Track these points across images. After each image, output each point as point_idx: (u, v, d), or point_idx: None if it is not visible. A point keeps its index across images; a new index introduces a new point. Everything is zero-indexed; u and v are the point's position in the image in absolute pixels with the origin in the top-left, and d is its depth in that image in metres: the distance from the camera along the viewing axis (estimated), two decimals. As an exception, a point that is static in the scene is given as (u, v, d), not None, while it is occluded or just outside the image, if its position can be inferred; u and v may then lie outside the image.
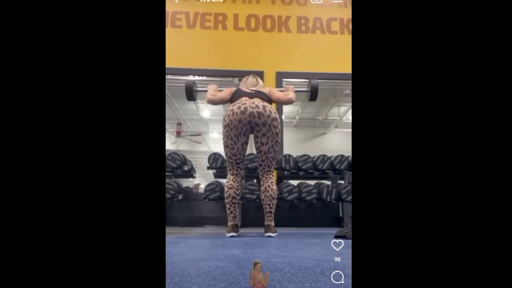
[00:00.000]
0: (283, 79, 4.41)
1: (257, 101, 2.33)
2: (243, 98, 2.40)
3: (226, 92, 2.58)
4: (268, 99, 2.52)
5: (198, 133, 12.37)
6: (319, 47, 4.55)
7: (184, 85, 2.83)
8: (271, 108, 2.34)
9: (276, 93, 2.60)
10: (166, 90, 8.54)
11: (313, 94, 2.83)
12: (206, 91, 2.70)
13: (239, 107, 2.29)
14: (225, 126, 2.35)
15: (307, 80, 2.93)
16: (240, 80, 4.72)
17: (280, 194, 3.59)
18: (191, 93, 2.83)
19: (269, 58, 4.44)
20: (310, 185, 3.70)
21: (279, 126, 2.37)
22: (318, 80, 2.81)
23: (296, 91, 2.72)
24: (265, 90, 2.58)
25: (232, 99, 2.52)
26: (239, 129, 2.31)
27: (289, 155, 3.79)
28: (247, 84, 2.62)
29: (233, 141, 2.35)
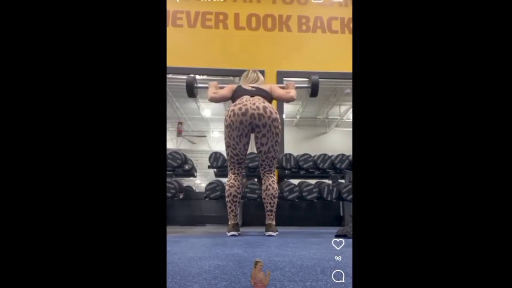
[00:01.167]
0: (284, 78, 4.41)
1: (258, 102, 2.32)
2: (244, 97, 2.39)
3: (227, 89, 2.57)
4: (269, 97, 2.52)
5: (202, 135, 12.39)
6: (319, 46, 4.55)
7: (184, 81, 2.81)
8: (272, 108, 2.33)
9: (277, 90, 2.59)
10: (167, 89, 8.54)
11: (313, 90, 2.79)
12: (207, 87, 2.70)
13: (240, 108, 2.29)
14: (226, 126, 2.36)
15: (307, 79, 2.91)
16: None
17: (281, 193, 3.59)
18: (191, 90, 2.80)
19: (269, 57, 4.44)
20: (310, 184, 3.70)
21: (279, 126, 2.37)
22: (319, 79, 2.80)
23: (296, 87, 2.70)
24: (266, 87, 2.57)
25: (233, 97, 2.52)
26: (241, 130, 2.31)
27: (290, 154, 3.79)
28: (248, 80, 2.62)
29: (235, 141, 2.35)
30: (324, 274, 0.91)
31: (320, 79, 2.78)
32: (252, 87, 2.52)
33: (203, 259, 1.17)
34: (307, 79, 2.90)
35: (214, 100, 2.60)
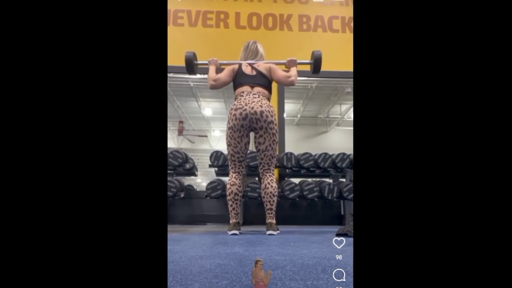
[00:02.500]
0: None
1: (256, 105, 2.40)
2: (245, 92, 2.46)
3: (227, 74, 2.59)
4: (268, 82, 2.56)
5: (203, 135, 12.38)
6: (320, 45, 4.51)
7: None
8: (268, 112, 2.41)
9: (277, 72, 2.58)
10: (168, 88, 8.54)
11: (316, 66, 2.68)
12: (207, 64, 2.68)
13: (240, 113, 2.40)
14: (229, 128, 2.46)
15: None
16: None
17: (282, 192, 3.60)
18: (191, 66, 2.73)
19: (270, 57, 4.42)
20: (311, 183, 3.70)
21: (276, 127, 2.47)
22: (320, 78, 2.76)
23: (298, 63, 2.65)
24: (266, 69, 2.58)
25: (234, 83, 2.58)
26: (242, 131, 2.45)
27: (291, 153, 3.79)
28: (248, 53, 2.66)
29: (237, 141, 2.46)
30: (325, 273, 0.91)
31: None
32: (252, 69, 2.56)
33: (204, 258, 1.17)
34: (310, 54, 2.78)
35: (215, 87, 2.63)
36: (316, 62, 2.66)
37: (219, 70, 2.65)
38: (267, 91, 2.53)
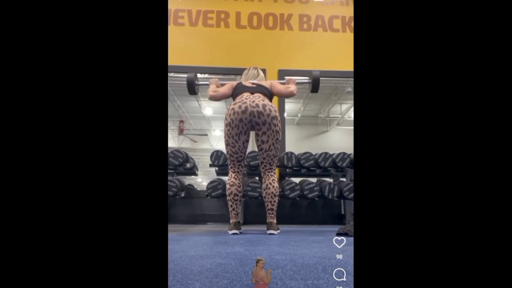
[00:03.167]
0: (285, 77, 4.41)
1: (258, 100, 2.35)
2: (245, 95, 2.42)
3: (227, 87, 2.59)
4: (269, 93, 2.54)
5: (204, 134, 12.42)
6: (321, 45, 4.54)
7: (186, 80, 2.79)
8: (271, 106, 2.36)
9: (277, 86, 2.61)
10: (169, 88, 8.54)
11: (314, 86, 2.76)
12: (207, 84, 2.70)
13: (239, 107, 2.32)
14: (226, 125, 2.38)
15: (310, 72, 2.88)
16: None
17: (282, 191, 3.59)
18: (192, 87, 2.78)
19: (271, 56, 4.43)
20: (312, 183, 3.70)
21: (279, 124, 2.39)
22: (321, 78, 2.77)
23: (297, 83, 2.69)
24: (266, 83, 2.59)
25: (234, 94, 2.55)
26: (240, 128, 2.34)
27: (291, 153, 3.79)
28: (248, 77, 2.67)
29: (234, 139, 2.38)
30: (326, 273, 0.91)
31: (321, 78, 2.76)
32: (252, 83, 2.55)
33: (204, 258, 1.17)
34: (308, 77, 2.89)
35: (214, 98, 2.62)
36: (315, 82, 2.75)
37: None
38: (268, 99, 2.50)
